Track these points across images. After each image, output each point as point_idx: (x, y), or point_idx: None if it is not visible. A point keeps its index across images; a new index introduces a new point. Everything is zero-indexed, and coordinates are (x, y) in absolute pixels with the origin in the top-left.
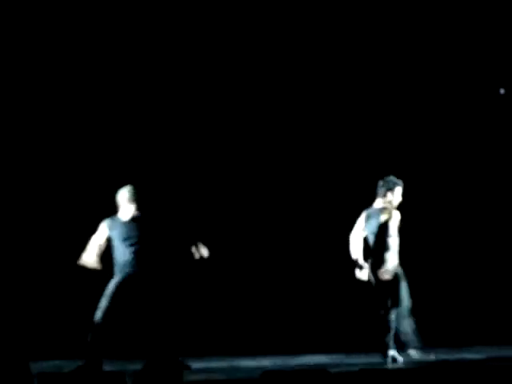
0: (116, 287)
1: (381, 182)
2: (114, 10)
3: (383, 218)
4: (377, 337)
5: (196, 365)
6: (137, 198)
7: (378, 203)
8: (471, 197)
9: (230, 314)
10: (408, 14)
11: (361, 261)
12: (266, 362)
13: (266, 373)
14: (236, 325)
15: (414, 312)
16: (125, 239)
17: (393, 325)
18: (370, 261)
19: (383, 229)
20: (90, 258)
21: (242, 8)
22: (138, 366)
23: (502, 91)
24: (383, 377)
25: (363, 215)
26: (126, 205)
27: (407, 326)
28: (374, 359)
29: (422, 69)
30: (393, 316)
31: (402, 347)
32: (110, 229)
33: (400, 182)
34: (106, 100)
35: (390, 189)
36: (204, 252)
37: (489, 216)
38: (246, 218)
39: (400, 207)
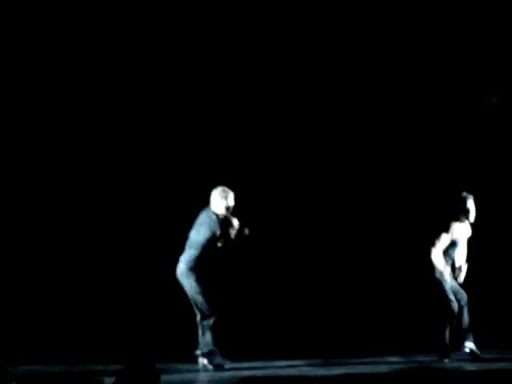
0: None
1: (455, 198)
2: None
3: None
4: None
5: (176, 368)
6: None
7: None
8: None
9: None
10: (401, 25)
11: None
12: (245, 366)
13: (245, 380)
14: (217, 330)
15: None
16: None
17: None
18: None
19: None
20: None
21: (242, 8)
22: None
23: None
24: (365, 382)
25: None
26: (217, 202)
27: None
28: (357, 364)
29: (414, 80)
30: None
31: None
32: None
33: (471, 196)
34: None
35: (462, 203)
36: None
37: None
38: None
39: None
